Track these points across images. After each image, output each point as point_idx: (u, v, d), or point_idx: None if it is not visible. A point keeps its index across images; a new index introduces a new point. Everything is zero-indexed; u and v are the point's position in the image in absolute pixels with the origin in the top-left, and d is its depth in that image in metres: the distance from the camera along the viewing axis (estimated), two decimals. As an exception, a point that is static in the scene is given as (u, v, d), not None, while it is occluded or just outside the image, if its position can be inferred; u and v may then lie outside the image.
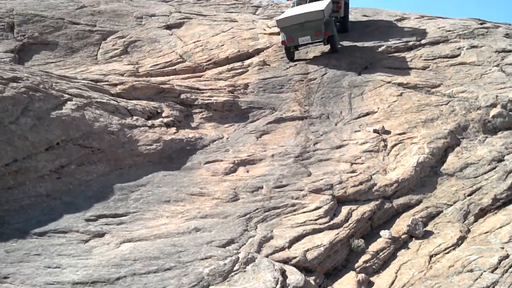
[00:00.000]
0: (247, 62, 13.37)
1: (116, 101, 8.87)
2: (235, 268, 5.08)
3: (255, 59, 13.49)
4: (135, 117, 8.67)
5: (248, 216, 6.58)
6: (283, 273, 5.16)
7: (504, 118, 9.96)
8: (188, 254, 5.29)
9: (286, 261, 5.66)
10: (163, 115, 9.37)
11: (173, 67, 13.26)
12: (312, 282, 5.40)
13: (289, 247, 5.99)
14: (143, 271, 4.91)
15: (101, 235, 5.71)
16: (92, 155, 7.27)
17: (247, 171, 8.04)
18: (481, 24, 15.91)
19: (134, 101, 9.42)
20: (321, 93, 11.52)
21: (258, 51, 14.25)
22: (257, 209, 6.81)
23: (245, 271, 5.06)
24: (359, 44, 14.63)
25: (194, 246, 5.49)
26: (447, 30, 14.96)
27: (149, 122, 8.80)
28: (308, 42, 13.32)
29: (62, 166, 6.78)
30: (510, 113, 10.07)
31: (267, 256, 5.59)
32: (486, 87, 11.17)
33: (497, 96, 10.50)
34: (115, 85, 9.95)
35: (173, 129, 8.96)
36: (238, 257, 5.27)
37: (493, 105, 10.28)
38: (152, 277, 4.82)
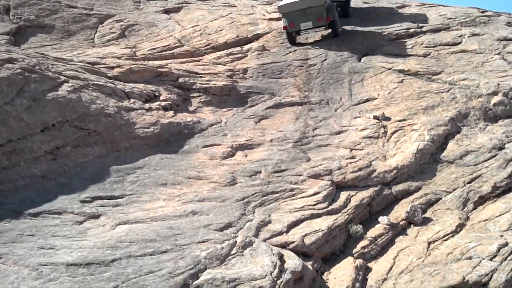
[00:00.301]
0: (246, 47, 13.22)
1: (113, 84, 8.75)
2: (232, 252, 4.99)
3: (254, 44, 13.34)
4: (132, 100, 8.56)
5: (246, 200, 6.50)
6: (281, 257, 5.08)
7: (506, 106, 9.87)
8: (185, 237, 5.21)
9: (284, 246, 5.58)
10: (161, 98, 9.25)
11: (171, 51, 13.08)
12: (310, 267, 5.33)
13: (287, 231, 5.91)
14: (138, 253, 4.83)
15: (96, 216, 5.62)
16: (88, 137, 7.17)
17: (245, 156, 7.95)
18: (482, 12, 15.76)
19: (132, 84, 9.29)
20: (321, 79, 11.40)
21: (257, 36, 14.09)
22: (255, 193, 6.73)
23: (242, 255, 4.98)
24: (359, 29, 14.50)
25: (191, 229, 5.41)
26: (449, 18, 14.81)
27: (147, 105, 8.68)
28: (309, 28, 13.26)
29: (57, 147, 6.67)
30: (511, 101, 9.98)
31: (264, 241, 5.52)
32: (487, 75, 11.07)
33: (498, 84, 10.39)
34: (112, 68, 9.81)
35: (171, 113, 8.85)
36: (236, 241, 5.19)
37: (495, 93, 10.18)
38: (148, 259, 4.74)
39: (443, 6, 17.05)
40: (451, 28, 14.11)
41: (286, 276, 4.77)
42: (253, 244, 5.20)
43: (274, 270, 4.77)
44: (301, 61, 12.24)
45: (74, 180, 6.33)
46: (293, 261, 5.07)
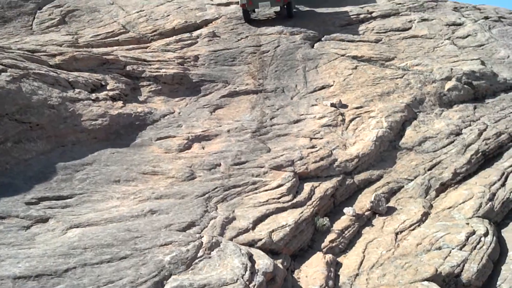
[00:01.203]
0: (195, 33, 12.69)
1: (56, 73, 8.06)
2: (199, 255, 4.60)
3: (204, 30, 12.83)
4: (77, 90, 7.92)
5: (207, 195, 6.11)
6: (250, 257, 4.74)
7: (460, 91, 9.92)
8: (146, 240, 4.77)
9: (251, 244, 5.26)
10: (108, 87, 8.63)
11: (116, 38, 12.36)
12: (280, 266, 5.03)
13: (253, 228, 5.59)
14: (95, 260, 4.36)
15: (44, 220, 5.08)
16: (31, 131, 6.53)
17: (203, 148, 7.54)
18: (429, -3, 15.94)
19: (76, 73, 8.62)
20: (275, 66, 11.10)
21: (206, 22, 13.57)
22: (216, 188, 6.35)
23: (210, 257, 4.60)
24: (311, 13, 14.37)
25: (151, 231, 4.97)
26: (398, 3, 14.88)
27: (93, 95, 8.07)
28: (267, 6, 13.46)
29: (-4, 144, 6.02)
30: (465, 86, 10.06)
31: (231, 239, 5.17)
32: (439, 60, 11.12)
33: (451, 69, 10.45)
34: (54, 55, 9.08)
35: (120, 103, 8.28)
36: (202, 242, 4.80)
37: (448, 78, 10.23)
38: (105, 267, 4.28)
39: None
40: (400, 14, 14.16)
41: (259, 278, 4.44)
42: (220, 245, 4.84)
43: (245, 272, 4.43)
44: (253, 48, 11.87)
45: (17, 180, 5.72)
46: (263, 261, 4.75)
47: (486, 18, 14.02)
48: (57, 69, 8.41)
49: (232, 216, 5.68)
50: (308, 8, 14.85)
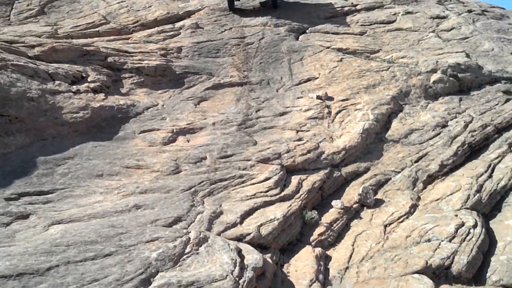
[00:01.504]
0: (178, 24, 12.45)
1: (35, 64, 7.81)
2: (186, 251, 4.47)
3: (187, 22, 12.60)
4: (57, 82, 7.68)
5: (193, 189, 5.97)
6: (239, 252, 4.62)
7: (445, 84, 9.91)
8: (131, 236, 4.62)
9: (239, 239, 5.14)
10: (89, 79, 8.39)
11: (96, 29, 12.07)
12: (270, 261, 4.92)
13: (241, 222, 5.47)
14: (78, 258, 4.20)
15: (25, 216, 4.89)
16: (10, 124, 6.31)
17: (188, 141, 7.38)
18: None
19: (55, 65, 8.35)
20: (260, 58, 10.95)
21: (189, 14, 13.34)
22: (202, 181, 6.21)
23: (198, 253, 4.47)
24: (295, 4, 14.23)
25: (136, 227, 4.82)
26: (382, -4, 14.82)
27: (74, 87, 7.83)
28: None
29: (-28, 137, 5.80)
30: (451, 78, 10.04)
31: (219, 234, 5.04)
32: (424, 52, 11.10)
33: (437, 61, 10.43)
34: (33, 46, 8.81)
35: (101, 95, 8.06)
36: (189, 238, 4.67)
37: (434, 71, 10.20)
38: (89, 265, 4.12)
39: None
40: (384, 6, 14.11)
41: (248, 274, 4.33)
42: (208, 240, 4.71)
43: (234, 268, 4.31)
44: (237, 40, 11.70)
45: (-5, 175, 5.52)
46: (253, 256, 4.64)
47: (470, 11, 14.06)
48: (36, 61, 8.15)
49: (219, 211, 5.56)
50: (292, 3, 14.71)
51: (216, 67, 10.32)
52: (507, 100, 9.66)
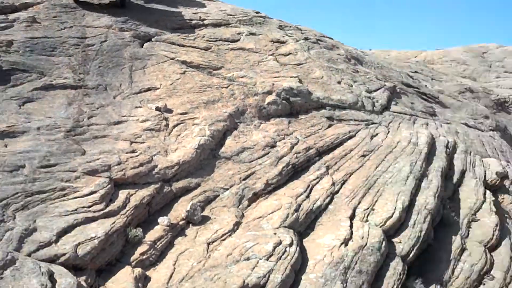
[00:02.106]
0: (12, 16, 11.42)
1: None
2: (-13, 274, 4.10)
3: (22, 14, 11.62)
4: None
5: (4, 202, 5.51)
6: (50, 276, 4.35)
7: (278, 106, 10.53)
8: None
9: (53, 260, 4.85)
10: None
11: None
12: (84, 284, 4.72)
13: (56, 241, 5.17)
14: None
15: None
16: None
17: (6, 146, 6.79)
18: (257, 13, 16.73)
19: None
20: (99, 61, 10.53)
21: (25, 6, 12.30)
22: (17, 193, 5.76)
23: (2, 277, 4.11)
24: (144, 10, 14.01)
25: None
26: (228, 14, 15.31)
27: None
28: None
29: None
30: (283, 101, 10.71)
31: (29, 255, 4.70)
32: (262, 74, 11.69)
33: (273, 84, 11.04)
34: None
35: None
36: (-8, 259, 4.29)
37: (269, 93, 10.79)
38: None
39: (222, 2, 17.58)
40: (230, 25, 14.58)
41: (57, 300, 4.10)
42: (16, 262, 4.37)
43: (42, 294, 4.05)
44: (77, 39, 11.12)
45: None
46: (66, 280, 4.41)
47: (306, 39, 15.18)
48: None
49: (32, 227, 5.19)
50: (142, 2, 14.45)
51: (50, 66, 9.68)
52: (330, 126, 10.60)
